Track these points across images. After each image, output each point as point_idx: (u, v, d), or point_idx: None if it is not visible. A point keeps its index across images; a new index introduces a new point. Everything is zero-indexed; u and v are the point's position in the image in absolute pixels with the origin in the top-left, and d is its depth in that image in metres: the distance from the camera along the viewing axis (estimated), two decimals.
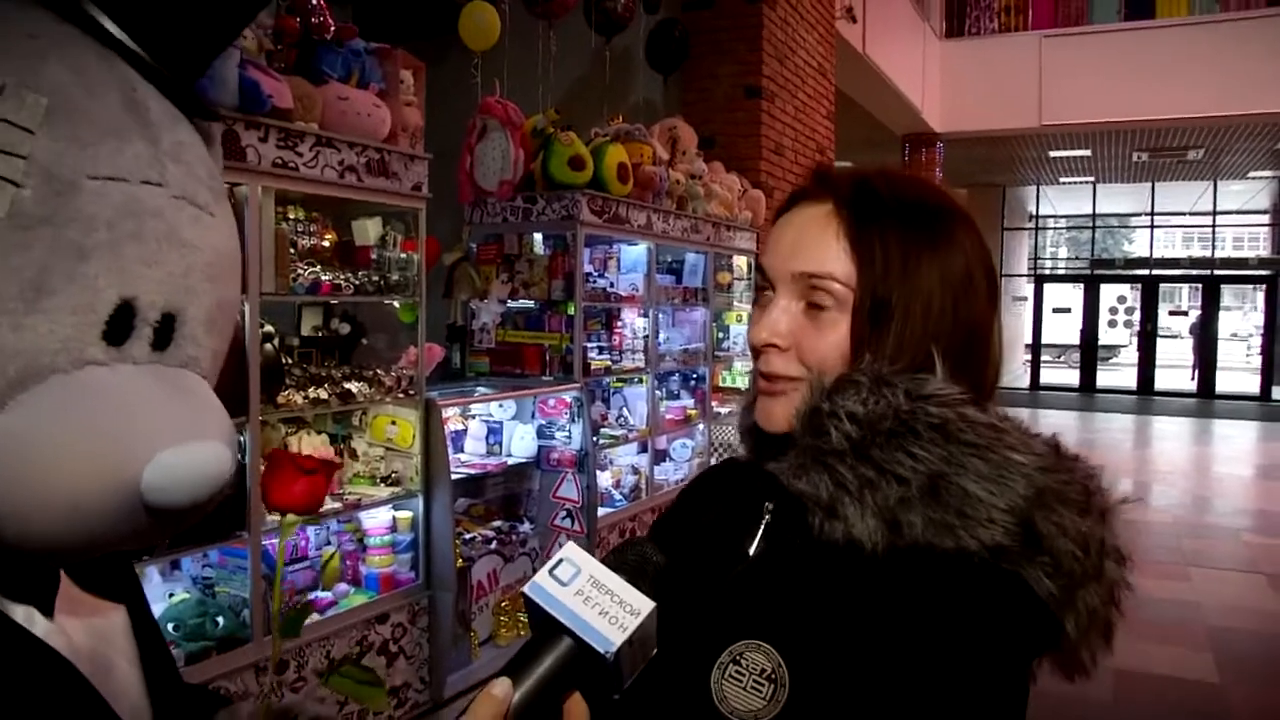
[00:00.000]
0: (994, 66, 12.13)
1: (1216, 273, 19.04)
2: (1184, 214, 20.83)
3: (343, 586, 3.51)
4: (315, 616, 3.28)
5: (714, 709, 0.86)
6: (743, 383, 6.35)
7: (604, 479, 5.12)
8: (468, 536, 4.18)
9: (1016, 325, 21.14)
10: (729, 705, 0.85)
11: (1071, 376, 19.79)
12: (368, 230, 3.58)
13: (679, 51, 6.45)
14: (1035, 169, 16.33)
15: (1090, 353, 19.04)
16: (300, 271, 3.21)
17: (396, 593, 3.61)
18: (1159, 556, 6.52)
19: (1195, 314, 20.80)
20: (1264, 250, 22.18)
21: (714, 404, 6.12)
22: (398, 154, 3.49)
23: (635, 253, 5.35)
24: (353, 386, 3.39)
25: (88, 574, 0.81)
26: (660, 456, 5.76)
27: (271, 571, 3.18)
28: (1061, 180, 17.54)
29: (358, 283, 3.43)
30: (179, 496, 0.68)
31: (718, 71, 6.88)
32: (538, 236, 4.77)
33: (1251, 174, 16.76)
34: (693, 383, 6.16)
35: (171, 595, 2.97)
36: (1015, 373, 20.39)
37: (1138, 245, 26.28)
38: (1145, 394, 18.07)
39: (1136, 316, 20.34)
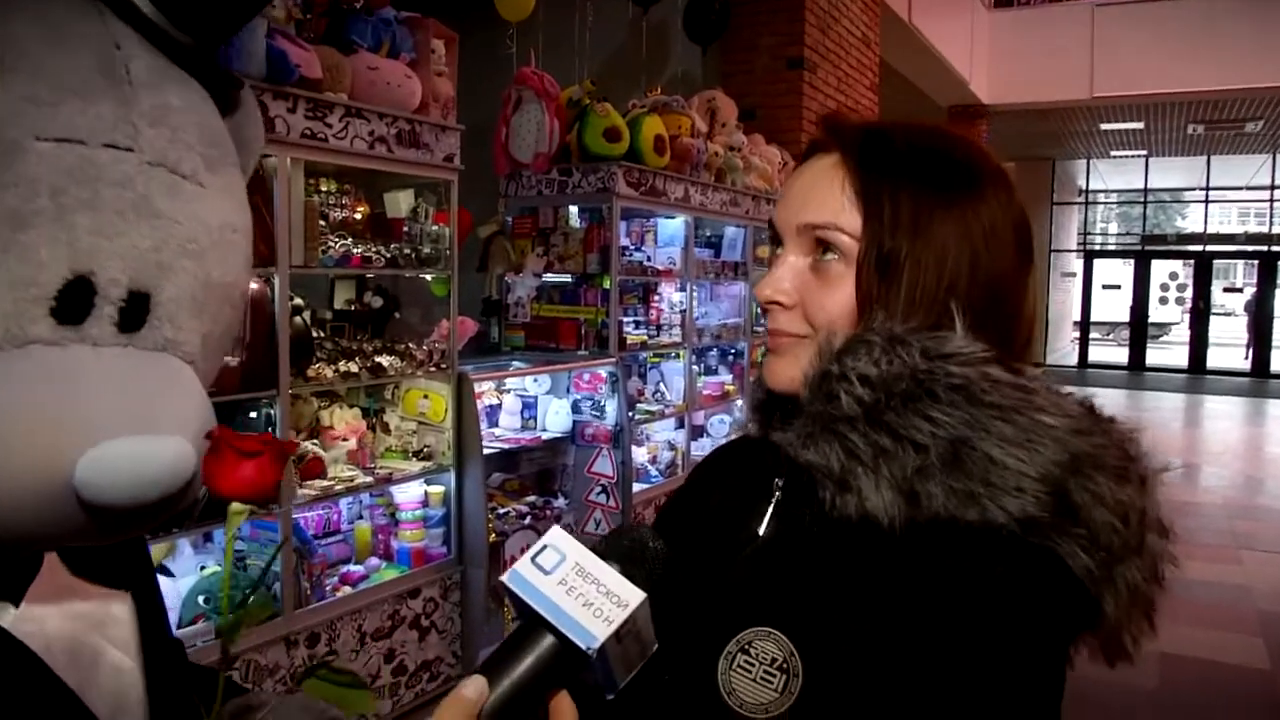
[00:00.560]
0: (1045, 37, 11.83)
1: (1274, 249, 18.53)
2: (1240, 188, 20.32)
3: (374, 560, 3.51)
4: (347, 590, 3.29)
5: (722, 703, 0.80)
6: None
7: (640, 454, 5.08)
8: (501, 511, 4.17)
9: (1065, 301, 20.77)
10: (738, 698, 0.79)
11: (1121, 354, 19.41)
12: (399, 203, 3.55)
13: (719, 22, 6.32)
14: (1085, 142, 15.97)
15: (1140, 330, 18.71)
16: (331, 244, 3.19)
17: (428, 567, 3.60)
18: (1209, 539, 6.38)
19: (1250, 291, 20.29)
20: None
21: (752, 379, 6.03)
22: (429, 125, 3.45)
23: (673, 226, 5.28)
24: (383, 360, 3.37)
25: (89, 560, 0.77)
26: (698, 432, 5.71)
27: (303, 544, 3.18)
28: (1113, 154, 17.12)
29: (389, 255, 3.40)
30: (116, 495, 0.61)
31: (758, 42, 6.75)
32: (573, 209, 4.72)
33: None
34: (731, 358, 6.10)
35: (203, 568, 2.97)
36: (1063, 350, 20.06)
37: (1191, 220, 25.63)
38: (1197, 373, 17.74)
39: (1189, 293, 19.92)
